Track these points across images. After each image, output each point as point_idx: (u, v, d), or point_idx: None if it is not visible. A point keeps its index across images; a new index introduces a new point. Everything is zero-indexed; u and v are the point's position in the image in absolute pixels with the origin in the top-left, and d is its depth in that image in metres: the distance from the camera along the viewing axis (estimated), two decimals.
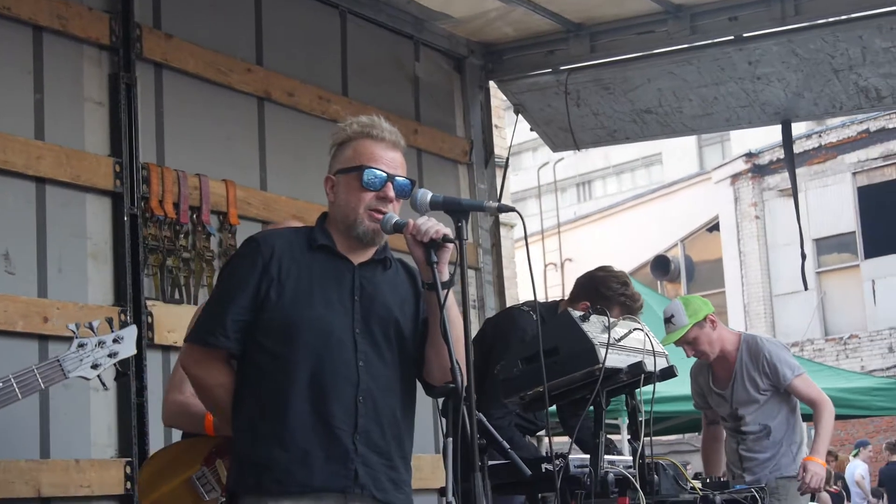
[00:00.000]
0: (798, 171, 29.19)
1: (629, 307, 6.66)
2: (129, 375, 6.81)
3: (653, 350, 6.06)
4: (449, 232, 4.17)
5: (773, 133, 24.80)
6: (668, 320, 7.81)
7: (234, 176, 7.87)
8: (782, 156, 29.65)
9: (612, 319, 5.96)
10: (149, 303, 7.16)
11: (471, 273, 9.80)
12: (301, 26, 8.65)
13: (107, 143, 7.20)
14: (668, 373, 6.22)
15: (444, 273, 4.18)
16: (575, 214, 39.43)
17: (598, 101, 10.05)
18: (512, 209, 4.44)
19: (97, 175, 7.05)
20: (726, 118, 10.07)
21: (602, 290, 6.70)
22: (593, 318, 5.91)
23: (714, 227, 32.39)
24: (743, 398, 7.79)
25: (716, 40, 9.60)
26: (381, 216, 4.27)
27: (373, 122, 4.41)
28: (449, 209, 4.28)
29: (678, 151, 42.29)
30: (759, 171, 30.50)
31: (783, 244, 28.86)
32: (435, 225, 4.15)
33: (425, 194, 4.28)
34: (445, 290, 4.14)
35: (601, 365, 5.69)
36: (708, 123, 10.23)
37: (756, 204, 30.30)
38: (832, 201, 29.17)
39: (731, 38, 9.52)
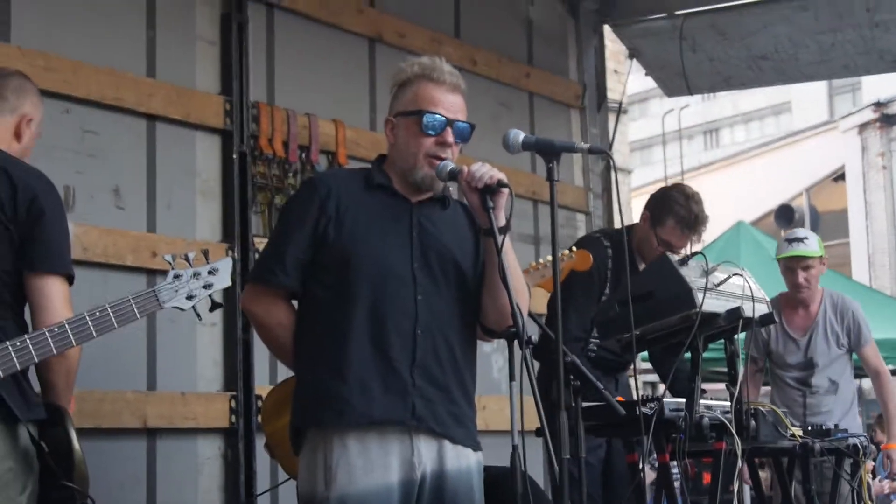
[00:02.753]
0: None
1: (683, 218, 6.59)
2: (230, 309, 6.88)
3: (752, 296, 6.01)
4: (503, 177, 4.14)
5: None
6: (799, 239, 7.70)
7: (344, 116, 7.92)
8: None
9: (711, 264, 5.92)
10: (256, 240, 7.22)
11: (581, 217, 9.79)
12: None
13: (217, 82, 7.28)
14: (768, 319, 6.19)
15: (501, 218, 4.15)
16: (699, 162, 39.05)
17: (713, 46, 9.97)
18: (603, 151, 4.47)
19: (207, 113, 7.14)
20: (844, 65, 9.95)
21: (661, 199, 6.66)
22: (692, 262, 5.87)
23: (840, 176, 31.88)
24: (821, 349, 7.71)
25: None
26: (438, 162, 4.25)
27: (434, 63, 4.34)
28: (541, 150, 4.26)
29: (808, 99, 41.69)
30: (888, 120, 29.90)
31: None
32: (489, 171, 4.13)
33: (517, 135, 4.27)
34: (502, 236, 4.11)
35: (698, 309, 5.66)
36: (825, 71, 10.12)
37: (883, 154, 29.73)
38: None
39: None
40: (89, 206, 6.54)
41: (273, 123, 7.41)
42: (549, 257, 5.97)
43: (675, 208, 6.63)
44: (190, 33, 7.19)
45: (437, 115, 4.26)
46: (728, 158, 37.59)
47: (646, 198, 6.91)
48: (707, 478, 11.39)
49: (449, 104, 4.31)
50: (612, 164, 4.47)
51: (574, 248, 6.51)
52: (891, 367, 15.96)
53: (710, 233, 18.23)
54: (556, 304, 6.55)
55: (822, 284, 7.98)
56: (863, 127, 30.74)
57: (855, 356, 7.94)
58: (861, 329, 7.69)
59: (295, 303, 4.43)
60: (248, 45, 7.36)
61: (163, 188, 6.94)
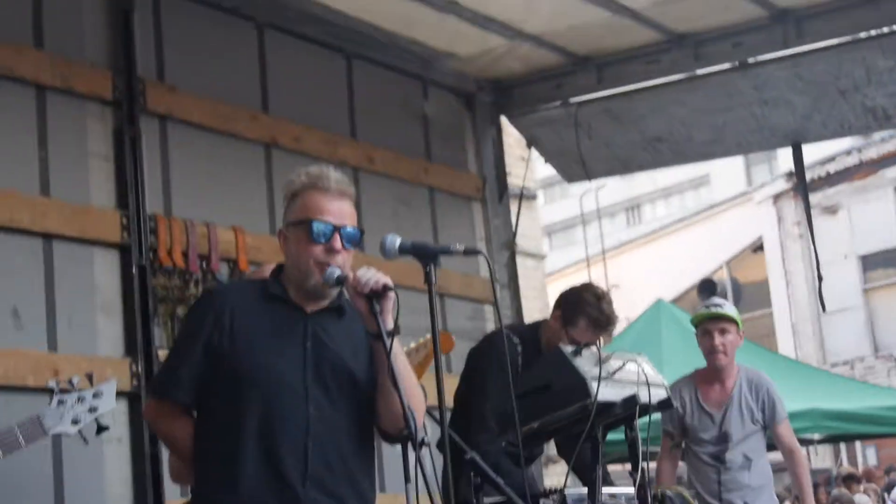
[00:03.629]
0: (840, 187, 29.44)
1: (595, 320, 6.62)
2: (137, 423, 6.90)
3: (647, 381, 6.10)
4: (389, 281, 4.22)
5: (816, 149, 24.82)
6: (717, 304, 7.83)
7: (244, 223, 8.01)
8: (823, 174, 29.82)
9: (605, 353, 6.02)
10: (160, 352, 7.26)
11: (489, 308, 9.89)
12: (306, 72, 8.82)
13: (113, 197, 7.38)
14: (665, 404, 6.28)
15: (389, 322, 4.22)
16: (619, 241, 39.36)
17: (608, 131, 10.14)
18: (478, 252, 4.56)
19: (104, 229, 7.22)
20: (737, 143, 10.15)
21: (572, 300, 6.72)
22: (586, 352, 5.96)
23: (759, 247, 32.28)
24: (736, 424, 7.79)
25: (720, 67, 9.70)
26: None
27: (321, 172, 4.43)
28: (417, 254, 4.37)
29: (726, 171, 42.17)
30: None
31: (828, 262, 28.63)
32: (375, 276, 4.21)
33: (394, 241, 4.36)
34: (390, 339, 4.19)
35: (593, 399, 5.76)
36: (720, 149, 10.30)
37: (799, 223, 30.17)
38: (876, 217, 29.02)
39: (736, 63, 9.62)
40: None
41: (171, 234, 7.50)
42: (422, 340, 6.02)
43: (587, 310, 6.70)
44: (82, 150, 7.29)
45: (325, 223, 4.34)
46: (648, 235, 37.93)
47: (563, 283, 7.01)
48: None
49: (336, 211, 4.37)
50: (489, 261, 4.56)
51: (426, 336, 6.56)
52: (818, 435, 16.26)
53: (634, 311, 18.39)
54: (462, 398, 6.71)
55: (747, 359, 8.10)
56: (777, 197, 31.21)
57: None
58: (776, 406, 7.77)
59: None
60: (142, 158, 7.46)
61: (62, 306, 6.99)
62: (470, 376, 6.77)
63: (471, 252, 4.51)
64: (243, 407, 4.26)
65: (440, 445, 5.04)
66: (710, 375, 7.86)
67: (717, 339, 7.73)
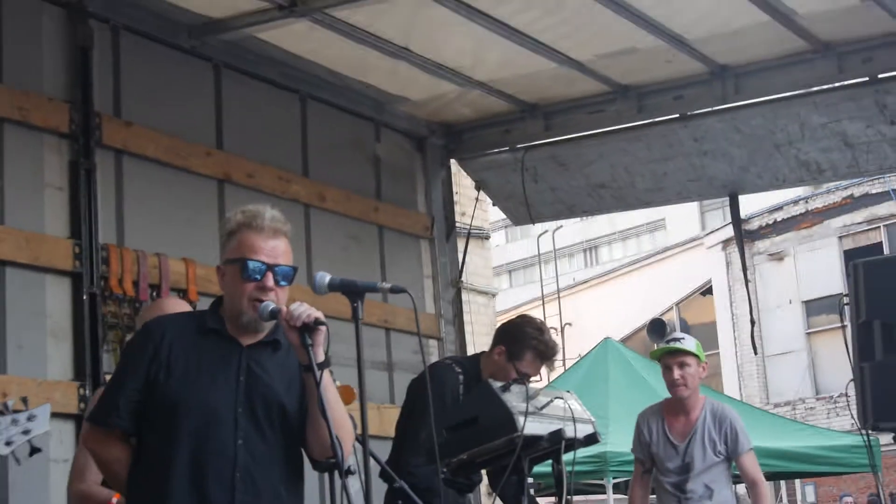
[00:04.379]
0: (786, 235, 29.64)
1: (541, 352, 6.63)
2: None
3: (573, 417, 6.15)
4: (320, 315, 4.25)
5: (763, 199, 25.02)
6: (677, 339, 7.86)
7: (195, 255, 8.01)
8: (771, 221, 30.06)
9: (533, 389, 6.07)
10: (108, 377, 7.22)
11: (433, 343, 9.93)
12: (261, 110, 8.85)
13: (67, 226, 7.38)
14: (591, 439, 6.32)
15: (320, 354, 4.25)
16: (574, 280, 39.52)
17: (554, 176, 10.21)
18: (402, 290, 4.57)
19: (57, 256, 7.23)
20: (677, 192, 10.23)
21: (516, 335, 6.75)
22: (514, 387, 6.01)
23: (707, 290, 32.48)
24: (698, 455, 7.80)
25: (662, 118, 9.79)
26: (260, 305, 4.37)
27: (256, 211, 4.45)
28: (345, 290, 4.42)
29: (681, 216, 42.45)
30: (749, 236, 30.58)
31: (774, 307, 28.94)
32: (307, 310, 4.23)
33: (323, 277, 4.41)
34: (321, 371, 4.21)
35: (520, 433, 5.80)
36: (660, 197, 10.37)
37: (747, 268, 30.35)
38: (820, 264, 29.32)
39: (677, 115, 9.70)
40: None
41: (123, 264, 7.51)
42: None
43: (532, 343, 6.72)
44: (38, 180, 7.30)
45: (257, 262, 4.36)
46: (603, 276, 38.14)
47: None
48: None
49: (269, 250, 4.39)
50: (413, 298, 4.59)
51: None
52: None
53: (586, 347, 18.47)
54: (402, 427, 6.73)
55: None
56: (726, 243, 31.42)
57: None
58: (738, 437, 7.77)
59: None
60: (96, 190, 7.47)
61: (13, 330, 6.98)
62: (409, 406, 6.79)
63: (397, 290, 4.54)
64: (175, 438, 4.28)
65: (382, 475, 5.11)
66: (676, 406, 7.89)
67: (677, 373, 7.76)
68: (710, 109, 9.61)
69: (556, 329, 33.45)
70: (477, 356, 7.04)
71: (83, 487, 5.30)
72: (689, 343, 7.86)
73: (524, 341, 6.73)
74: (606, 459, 13.41)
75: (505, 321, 7.03)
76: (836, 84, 9.20)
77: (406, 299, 8.38)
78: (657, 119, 9.83)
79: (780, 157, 9.58)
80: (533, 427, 5.88)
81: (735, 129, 9.53)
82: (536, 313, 33.56)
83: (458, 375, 6.86)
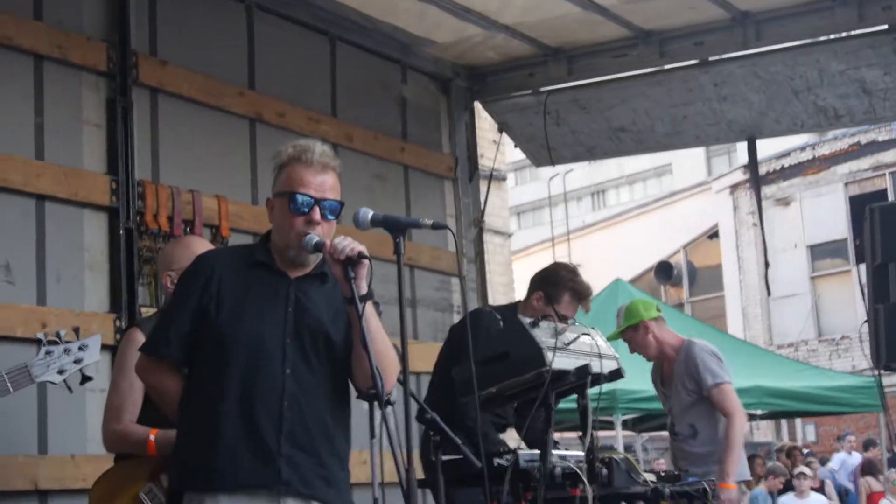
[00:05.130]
0: (793, 181, 29.57)
1: (578, 293, 6.78)
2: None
3: (599, 353, 6.16)
4: (364, 249, 4.26)
5: (772, 144, 24.94)
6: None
7: (227, 192, 8.02)
8: (779, 167, 29.97)
9: (560, 325, 6.08)
10: (143, 310, 7.29)
11: (454, 281, 9.93)
12: (292, 52, 8.81)
13: (104, 163, 7.37)
14: (616, 374, 6.34)
15: (363, 287, 4.27)
16: (584, 223, 39.48)
17: (575, 120, 10.20)
18: (444, 226, 4.58)
19: (94, 192, 7.23)
20: (696, 136, 10.21)
21: (552, 279, 6.83)
22: (543, 323, 6.02)
23: (714, 234, 32.43)
24: (677, 399, 7.87)
25: (683, 63, 9.76)
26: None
27: (305, 146, 4.45)
28: (387, 226, 4.43)
29: (687, 161, 42.36)
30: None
31: (780, 250, 28.87)
32: (350, 244, 4.25)
33: (366, 213, 4.41)
34: (363, 303, 4.22)
35: (548, 367, 5.81)
36: (679, 141, 10.35)
37: (754, 212, 30.29)
38: (826, 210, 29.24)
39: (698, 61, 9.66)
40: None
41: (158, 200, 7.51)
42: None
43: (569, 284, 6.83)
44: (76, 118, 7.28)
45: (305, 196, 4.37)
46: (610, 219, 38.08)
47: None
48: None
49: (318, 184, 4.40)
50: (455, 236, 4.59)
51: None
52: (760, 411, 16.41)
53: (595, 289, 18.52)
54: (443, 368, 6.76)
55: (698, 337, 8.20)
56: (734, 187, 31.37)
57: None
58: (701, 374, 7.75)
59: None
60: (132, 127, 7.45)
61: (52, 263, 7.00)
62: (452, 347, 6.84)
63: (438, 226, 4.54)
64: (225, 368, 4.32)
65: (419, 417, 5.15)
66: (660, 357, 7.98)
67: (630, 348, 7.86)
68: (730, 55, 9.55)
69: None
70: (514, 304, 7.10)
71: (119, 427, 5.33)
72: (618, 322, 7.93)
73: (561, 284, 6.83)
74: (616, 397, 13.50)
75: (538, 269, 7.08)
76: (856, 32, 9.14)
77: (429, 238, 8.45)
78: (678, 64, 9.78)
79: (799, 103, 9.55)
80: (561, 362, 5.89)
81: (754, 75, 9.50)
82: (546, 255, 33.62)
83: (498, 322, 6.90)
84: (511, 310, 6.91)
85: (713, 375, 7.72)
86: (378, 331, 4.37)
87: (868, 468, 19.17)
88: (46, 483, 6.72)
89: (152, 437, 5.17)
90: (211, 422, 4.30)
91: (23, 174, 6.83)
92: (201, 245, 5.60)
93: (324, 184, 4.42)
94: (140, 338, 5.38)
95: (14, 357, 6.38)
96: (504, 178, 16.23)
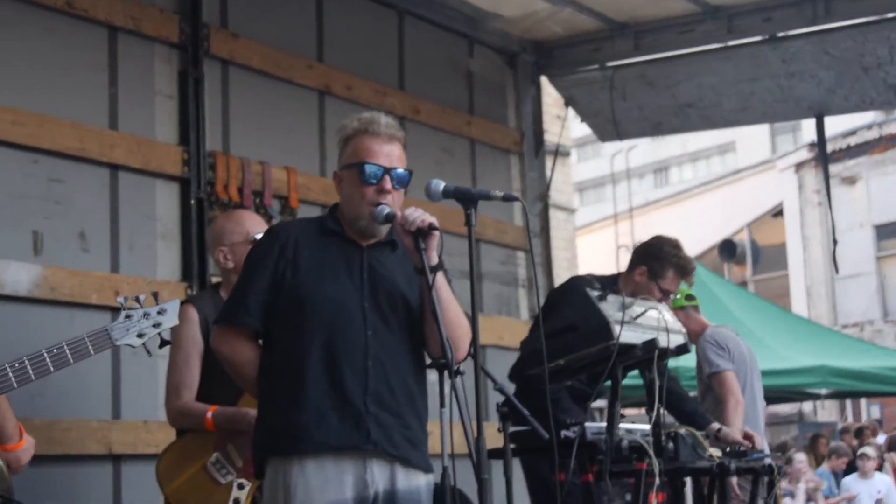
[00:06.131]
0: (859, 160, 29.38)
1: (682, 268, 6.84)
2: None
3: (666, 328, 6.21)
4: (434, 220, 4.32)
5: (838, 122, 24.78)
6: None
7: (295, 163, 8.15)
8: (845, 146, 29.73)
9: (628, 300, 6.14)
10: (214, 279, 7.39)
11: (520, 255, 10.01)
12: (360, 25, 8.91)
13: (176, 133, 7.52)
14: (682, 349, 6.39)
15: (433, 258, 4.33)
16: (646, 200, 39.32)
17: (642, 95, 10.23)
18: (515, 198, 4.63)
19: (166, 162, 7.37)
20: (763, 112, 10.23)
21: (656, 253, 6.87)
22: (611, 297, 6.07)
23: (779, 212, 32.25)
24: (699, 385, 8.00)
25: (751, 39, 9.77)
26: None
27: (372, 117, 4.52)
28: (459, 198, 4.46)
29: (752, 139, 42.08)
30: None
31: (845, 229, 28.64)
32: (421, 215, 4.31)
33: (438, 184, 4.46)
34: (433, 274, 4.29)
35: (615, 341, 5.88)
36: (746, 117, 10.36)
37: (819, 191, 30.11)
38: (892, 189, 28.95)
39: (766, 37, 9.67)
40: (56, 250, 6.77)
41: (228, 171, 7.64)
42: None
43: (673, 260, 6.86)
44: (149, 89, 7.43)
45: (375, 166, 4.44)
46: (673, 196, 37.87)
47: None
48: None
49: (386, 154, 4.47)
50: (525, 207, 4.66)
51: None
52: (825, 390, 16.38)
53: None
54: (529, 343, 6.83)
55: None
56: (800, 166, 31.15)
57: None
58: (701, 364, 7.88)
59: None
60: (204, 99, 7.59)
61: (125, 232, 7.16)
62: (548, 315, 6.90)
63: (510, 198, 4.58)
64: (306, 332, 4.38)
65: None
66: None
67: None
68: (799, 31, 9.54)
69: (626, 247, 33.45)
70: (615, 276, 7.12)
71: (180, 404, 5.51)
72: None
73: (665, 259, 6.85)
74: (679, 373, 13.50)
75: (641, 243, 7.14)
76: None
77: (495, 211, 8.48)
78: (746, 40, 9.79)
79: (868, 80, 9.53)
80: (628, 336, 5.95)
81: (823, 52, 9.48)
82: (609, 232, 33.62)
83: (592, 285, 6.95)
84: (611, 281, 6.95)
85: (710, 365, 7.83)
86: (450, 300, 4.44)
87: (893, 444, 19.07)
88: (119, 447, 6.88)
89: (209, 415, 5.35)
90: (296, 384, 4.36)
91: (98, 144, 6.98)
92: (250, 219, 5.71)
93: (391, 154, 4.48)
94: (193, 314, 5.53)
95: (89, 323, 6.54)
96: (568, 154, 16.25)
